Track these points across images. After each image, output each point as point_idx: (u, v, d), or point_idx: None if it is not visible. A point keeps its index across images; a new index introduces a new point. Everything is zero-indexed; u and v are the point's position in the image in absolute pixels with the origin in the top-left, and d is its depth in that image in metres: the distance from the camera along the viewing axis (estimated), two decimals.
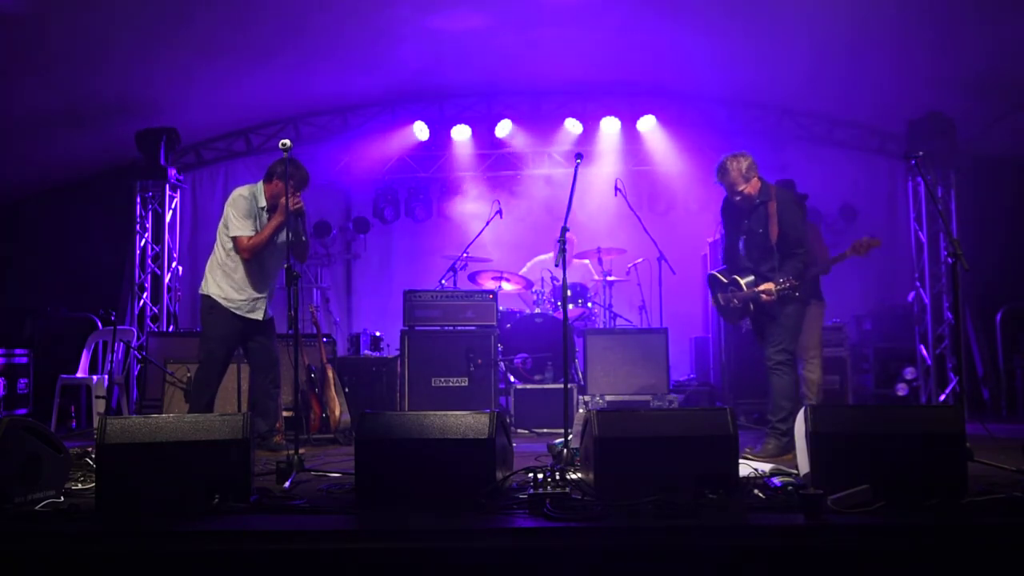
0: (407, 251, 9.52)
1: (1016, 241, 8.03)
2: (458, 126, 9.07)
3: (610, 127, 8.96)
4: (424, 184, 9.46)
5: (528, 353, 6.91)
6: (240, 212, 5.02)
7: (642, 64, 8.15)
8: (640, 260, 7.79)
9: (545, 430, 6.35)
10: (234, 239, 5.03)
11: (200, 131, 9.04)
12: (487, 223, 7.76)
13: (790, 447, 4.49)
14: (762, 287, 4.75)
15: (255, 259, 5.07)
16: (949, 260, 4.19)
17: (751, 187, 4.88)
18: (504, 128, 8.97)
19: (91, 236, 8.76)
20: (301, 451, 4.11)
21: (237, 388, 5.80)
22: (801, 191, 6.96)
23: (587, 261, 7.95)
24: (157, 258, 8.46)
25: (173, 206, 8.55)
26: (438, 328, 6.70)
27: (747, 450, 4.76)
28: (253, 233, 5.02)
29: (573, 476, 3.68)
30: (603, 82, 8.79)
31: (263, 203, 5.09)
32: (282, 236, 5.02)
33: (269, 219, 5.05)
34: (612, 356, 6.75)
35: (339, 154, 9.32)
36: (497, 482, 3.29)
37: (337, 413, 5.91)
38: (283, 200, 4.86)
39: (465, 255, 7.59)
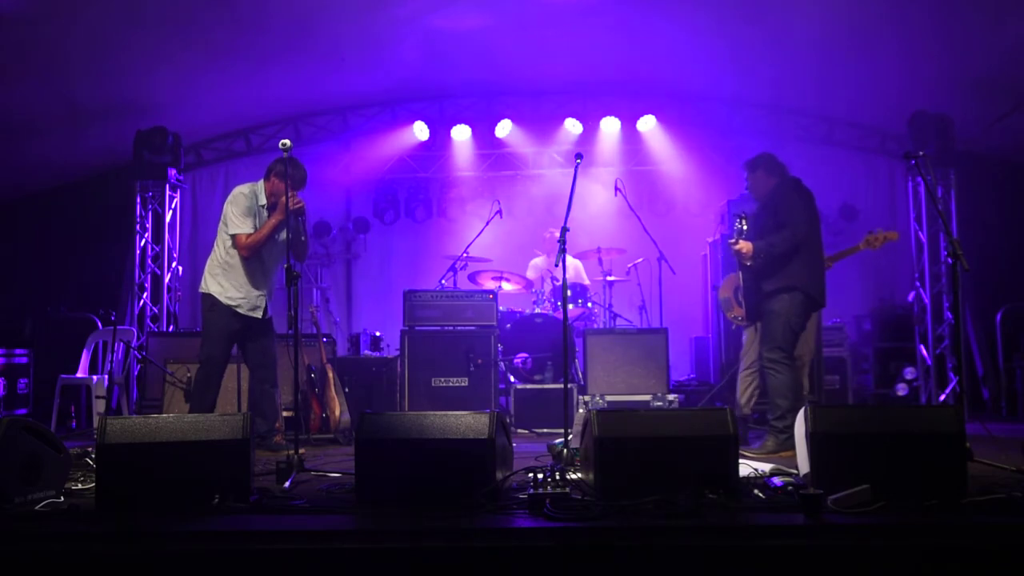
0: (407, 251, 9.51)
1: (1016, 241, 8.03)
2: (458, 126, 9.07)
3: (610, 127, 8.97)
4: (424, 184, 9.47)
5: (528, 353, 6.91)
6: (239, 210, 5.03)
7: (642, 64, 8.15)
8: (640, 260, 7.79)
9: (545, 430, 6.35)
10: (233, 236, 5.04)
11: (200, 131, 9.05)
12: (487, 223, 7.75)
13: (788, 444, 4.49)
14: (740, 242, 4.94)
15: (255, 257, 5.08)
16: (949, 260, 4.19)
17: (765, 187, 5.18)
18: (504, 128, 8.97)
19: (91, 236, 8.76)
20: (301, 451, 4.11)
21: (237, 388, 5.81)
22: None
23: (578, 263, 7.95)
24: (157, 258, 8.45)
25: (173, 206, 8.54)
26: (438, 328, 6.70)
27: (745, 447, 4.76)
28: (252, 231, 5.03)
29: (573, 476, 3.69)
30: (603, 82, 8.78)
31: (263, 201, 5.10)
32: (282, 235, 5.03)
33: (269, 217, 5.06)
34: (612, 356, 6.75)
35: (339, 154, 9.32)
36: (497, 482, 3.29)
37: (337, 413, 5.90)
38: (283, 199, 4.87)
39: (465, 255, 7.59)
